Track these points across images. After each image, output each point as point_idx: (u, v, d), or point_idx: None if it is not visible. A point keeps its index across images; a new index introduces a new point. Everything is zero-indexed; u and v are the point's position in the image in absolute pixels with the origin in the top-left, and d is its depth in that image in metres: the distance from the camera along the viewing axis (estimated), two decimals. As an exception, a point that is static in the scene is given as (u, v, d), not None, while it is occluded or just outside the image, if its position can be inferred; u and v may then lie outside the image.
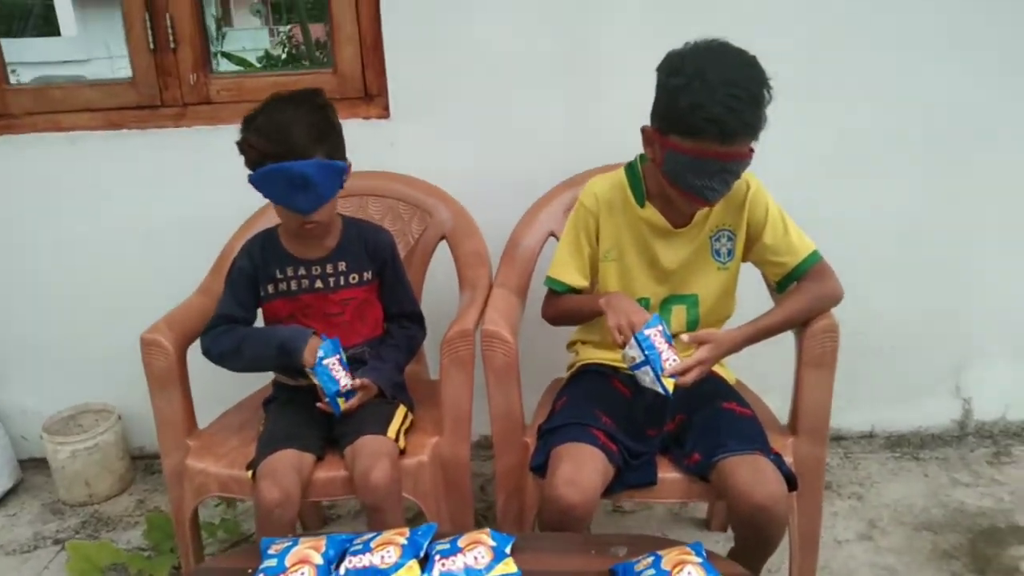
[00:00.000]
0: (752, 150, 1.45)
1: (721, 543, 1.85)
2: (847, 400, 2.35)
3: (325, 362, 1.57)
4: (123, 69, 2.22)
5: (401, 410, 1.67)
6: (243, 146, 1.57)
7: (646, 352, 1.42)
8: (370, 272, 1.72)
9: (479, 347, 1.61)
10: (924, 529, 2.06)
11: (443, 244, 1.97)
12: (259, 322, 1.75)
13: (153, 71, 2.16)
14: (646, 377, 1.45)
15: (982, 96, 2.16)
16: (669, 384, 1.43)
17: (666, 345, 1.44)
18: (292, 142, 1.52)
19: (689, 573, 1.15)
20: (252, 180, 1.56)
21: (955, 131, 2.18)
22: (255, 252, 1.70)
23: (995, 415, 2.46)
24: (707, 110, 1.36)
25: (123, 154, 2.22)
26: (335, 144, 1.61)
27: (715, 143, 1.38)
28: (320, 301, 1.68)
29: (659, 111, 1.46)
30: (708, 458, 1.45)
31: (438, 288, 2.00)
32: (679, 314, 1.66)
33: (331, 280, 1.68)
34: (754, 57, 1.42)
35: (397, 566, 1.19)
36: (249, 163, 1.57)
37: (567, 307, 1.67)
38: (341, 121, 1.65)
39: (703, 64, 1.38)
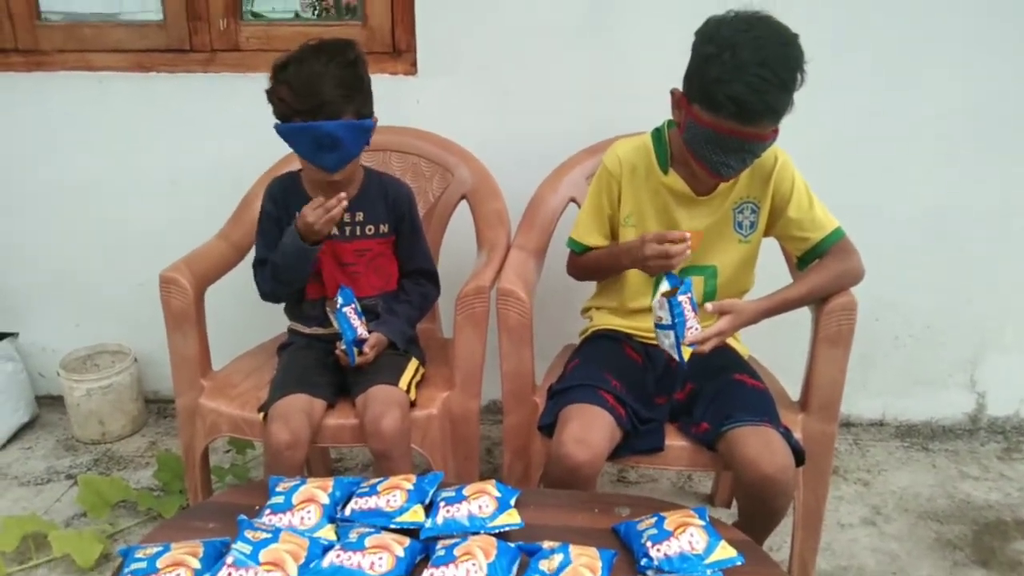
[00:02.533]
0: (776, 131, 1.42)
1: (724, 518, 1.84)
2: (860, 386, 2.36)
3: (344, 310, 1.58)
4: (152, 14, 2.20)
5: (413, 363, 1.67)
6: (272, 97, 1.56)
7: (675, 317, 1.41)
8: (387, 225, 1.72)
9: (494, 305, 1.61)
10: (929, 518, 2.05)
11: (463, 204, 1.97)
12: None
13: (184, 14, 2.16)
14: (666, 340, 1.44)
15: (1009, 85, 2.12)
16: (686, 353, 1.44)
17: (692, 313, 1.44)
18: (323, 100, 1.50)
19: (691, 534, 1.15)
20: (279, 131, 1.56)
21: (981, 119, 2.15)
22: (277, 194, 1.70)
23: (1009, 411, 2.44)
24: (731, 87, 1.33)
25: (151, 97, 2.22)
26: (364, 100, 1.60)
27: (735, 122, 1.36)
28: (335, 248, 1.68)
29: (688, 77, 1.44)
30: (717, 427, 1.45)
31: (456, 247, 2.00)
32: (696, 285, 1.64)
33: (347, 229, 1.69)
34: (795, 36, 1.37)
35: (402, 510, 1.21)
36: (277, 114, 1.57)
37: (590, 264, 1.68)
38: (368, 76, 1.64)
39: (738, 38, 1.35)
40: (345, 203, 1.54)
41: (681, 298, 1.42)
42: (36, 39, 2.22)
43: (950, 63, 2.10)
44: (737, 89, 1.33)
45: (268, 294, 1.71)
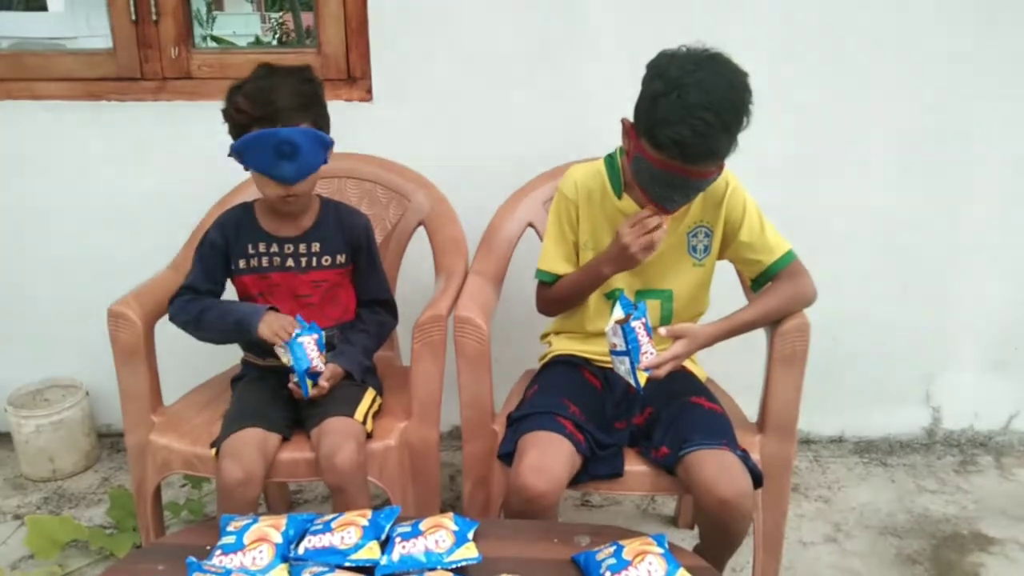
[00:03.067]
0: (721, 167, 1.45)
1: (687, 540, 1.85)
2: (818, 404, 2.36)
3: (300, 339, 1.55)
4: (103, 42, 2.17)
5: (370, 393, 1.65)
6: (228, 112, 1.56)
7: (629, 344, 1.42)
8: (344, 255, 1.71)
9: (452, 333, 1.60)
10: (889, 534, 2.07)
11: (420, 230, 1.96)
12: (231, 294, 1.73)
13: (134, 42, 2.13)
14: (622, 366, 1.45)
15: (958, 99, 2.17)
16: (642, 378, 1.44)
17: (647, 338, 1.44)
18: (279, 107, 1.51)
19: (650, 563, 1.15)
20: (236, 148, 1.54)
21: (932, 134, 2.20)
22: (228, 225, 1.68)
23: (963, 424, 2.48)
24: (674, 129, 1.34)
25: (101, 126, 2.19)
26: (321, 116, 1.60)
27: (679, 162, 1.38)
28: (290, 280, 1.66)
29: (637, 110, 1.45)
30: (675, 451, 1.45)
31: (413, 274, 1.99)
32: (653, 308, 1.66)
33: (303, 260, 1.67)
34: (743, 77, 1.38)
35: (357, 547, 1.18)
36: (234, 131, 1.55)
37: (564, 290, 1.66)
38: (324, 102, 1.63)
39: (686, 79, 1.35)
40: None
41: (635, 324, 1.43)
42: (-19, 69, 2.17)
43: (897, 75, 2.15)
44: (681, 132, 1.33)
45: (180, 324, 1.66)
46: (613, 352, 1.47)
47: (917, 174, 2.23)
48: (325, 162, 1.60)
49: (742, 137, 1.41)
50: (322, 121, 1.60)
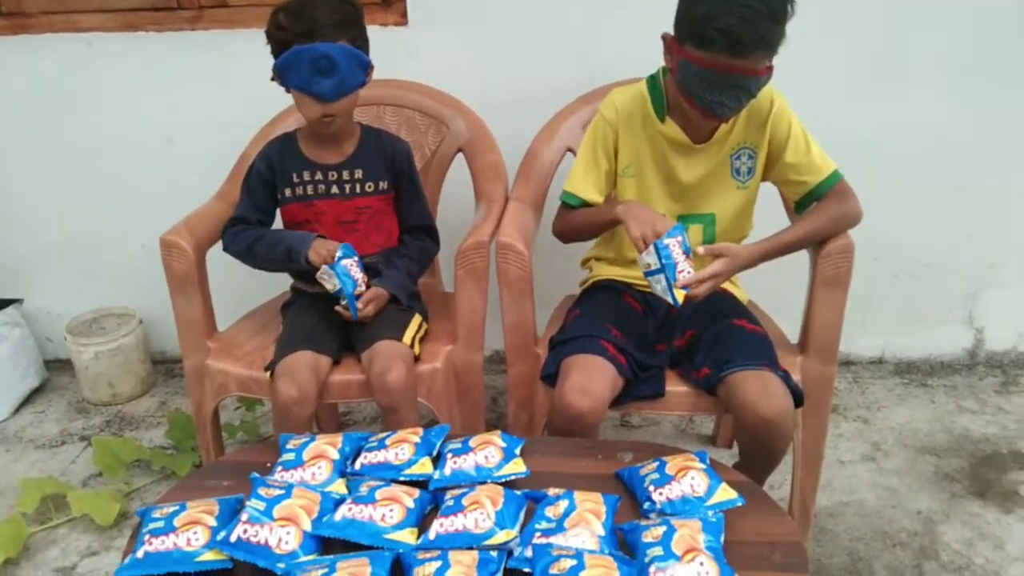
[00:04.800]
0: (770, 68, 1.41)
1: (724, 458, 1.89)
2: (859, 325, 2.38)
3: (344, 262, 1.59)
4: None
5: (416, 318, 1.69)
6: (270, 31, 1.57)
7: (663, 260, 1.42)
8: (386, 182, 1.72)
9: (494, 259, 1.62)
10: (927, 452, 2.09)
11: (460, 156, 1.96)
12: (278, 223, 1.76)
13: (169, -29, 2.12)
14: (658, 285, 1.45)
15: (1011, 13, 2.08)
16: (680, 295, 1.44)
17: (683, 256, 1.44)
18: (319, 22, 1.52)
19: (692, 477, 1.18)
20: (277, 66, 1.55)
21: (982, 51, 2.12)
22: (273, 155, 1.70)
23: (1007, 345, 2.46)
24: (720, 20, 1.32)
25: (140, 57, 2.20)
26: (360, 36, 1.60)
27: (727, 56, 1.35)
28: (335, 207, 1.68)
29: (678, 18, 1.42)
30: (716, 372, 1.47)
31: (454, 201, 2.00)
32: (695, 233, 1.65)
33: (347, 187, 1.68)
34: None
35: (411, 462, 1.23)
36: (275, 49, 1.56)
37: (581, 220, 1.65)
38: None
39: None
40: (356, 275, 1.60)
41: (667, 241, 1.42)
42: (19, 2, 2.18)
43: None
44: (727, 22, 1.32)
45: (233, 254, 1.71)
46: (647, 273, 1.46)
47: (964, 93, 2.15)
48: (364, 83, 1.60)
49: (786, 57, 1.38)
50: (361, 42, 1.60)
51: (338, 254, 1.59)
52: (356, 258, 1.62)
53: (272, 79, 1.58)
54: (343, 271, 1.59)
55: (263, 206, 1.71)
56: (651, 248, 1.43)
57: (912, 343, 2.47)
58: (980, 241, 2.32)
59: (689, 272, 1.44)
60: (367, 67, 1.59)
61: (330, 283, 1.61)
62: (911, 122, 2.18)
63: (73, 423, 2.34)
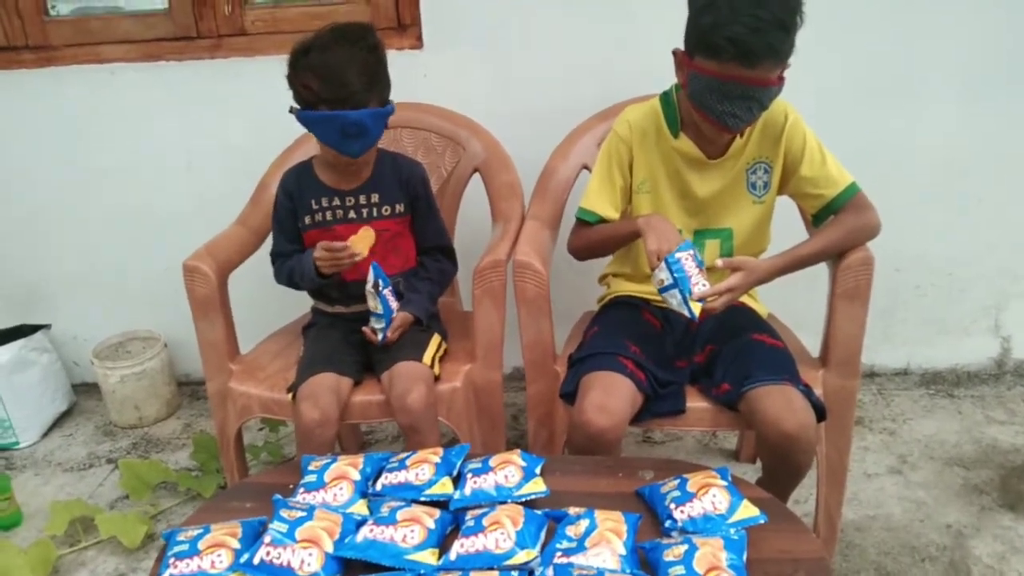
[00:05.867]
0: (782, 79, 1.41)
1: (748, 474, 1.88)
2: (883, 337, 2.36)
3: (385, 291, 1.62)
4: (159, 2, 2.21)
5: (436, 338, 1.70)
6: (295, 83, 1.57)
7: (675, 275, 1.42)
8: (403, 204, 1.74)
9: (511, 278, 1.62)
10: (955, 464, 2.06)
11: (476, 176, 1.98)
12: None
13: (188, 2, 2.16)
14: (673, 300, 1.45)
15: (1021, 26, 2.06)
16: (696, 308, 1.43)
17: (696, 269, 1.44)
18: (350, 89, 1.52)
19: (714, 495, 1.17)
20: (301, 119, 1.57)
21: (1002, 59, 2.10)
22: (291, 185, 1.72)
23: (1035, 354, 2.43)
24: (729, 29, 1.32)
25: (161, 85, 2.24)
26: (385, 86, 1.62)
27: (738, 66, 1.35)
28: (353, 232, 1.69)
29: (687, 32, 1.43)
30: (737, 388, 1.46)
31: (471, 221, 2.02)
32: (712, 248, 1.65)
33: (364, 211, 1.70)
34: None
35: (431, 482, 1.24)
36: (299, 101, 1.58)
37: (598, 236, 1.65)
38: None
39: None
40: (357, 258, 1.60)
41: (679, 255, 1.43)
42: (45, 35, 2.23)
43: (963, 2, 2.05)
44: (736, 31, 1.32)
45: (284, 284, 1.76)
46: (661, 290, 1.46)
47: (982, 102, 2.14)
48: (387, 126, 1.63)
49: (801, 68, 1.38)
50: (386, 90, 1.62)
51: (380, 283, 1.61)
52: (390, 286, 1.64)
53: (291, 113, 1.59)
54: (385, 299, 1.62)
55: (294, 236, 1.74)
56: (662, 264, 1.43)
57: (937, 354, 2.44)
58: (1003, 250, 2.30)
59: (704, 285, 1.43)
60: (391, 114, 1.61)
61: (372, 303, 1.63)
62: (930, 133, 2.17)
63: (100, 446, 2.37)
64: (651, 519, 1.20)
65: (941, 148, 2.18)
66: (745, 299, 1.67)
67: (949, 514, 1.89)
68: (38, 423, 2.41)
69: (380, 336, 1.64)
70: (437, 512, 1.18)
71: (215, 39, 2.19)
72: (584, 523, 1.13)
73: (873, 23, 2.06)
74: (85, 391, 2.62)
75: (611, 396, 1.44)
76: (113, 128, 2.31)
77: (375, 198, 1.71)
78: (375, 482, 1.27)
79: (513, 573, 1.05)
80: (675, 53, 1.47)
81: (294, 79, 1.57)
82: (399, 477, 1.26)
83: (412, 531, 1.12)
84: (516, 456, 1.29)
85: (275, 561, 1.06)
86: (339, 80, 1.51)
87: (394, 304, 1.64)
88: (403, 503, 1.19)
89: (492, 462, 1.27)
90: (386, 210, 1.72)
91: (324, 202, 1.70)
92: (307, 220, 1.71)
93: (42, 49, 2.24)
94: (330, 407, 1.53)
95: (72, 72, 2.25)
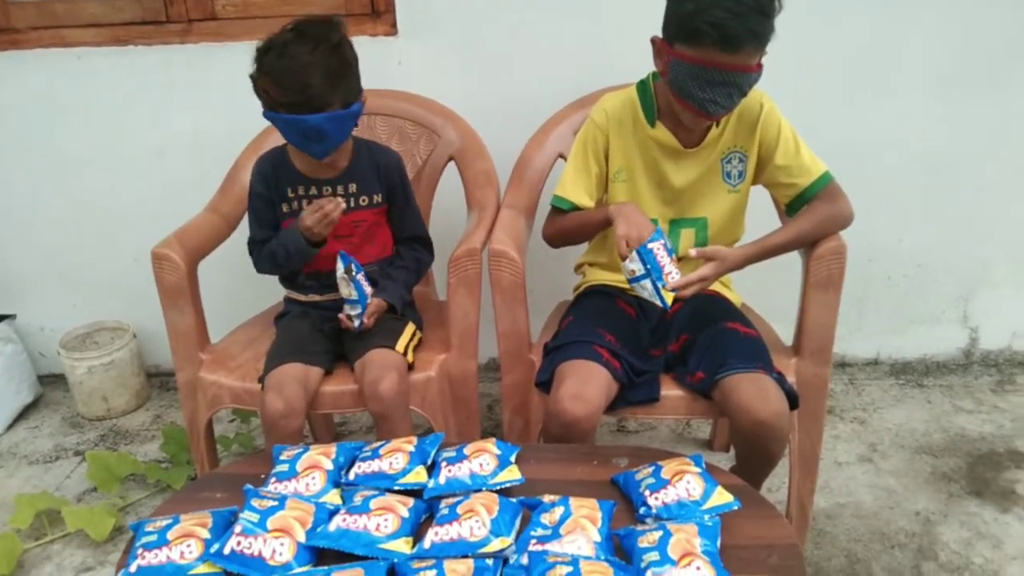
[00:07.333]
0: (760, 66, 1.41)
1: (722, 462, 1.87)
2: (854, 327, 2.39)
3: (358, 276, 1.60)
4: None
5: (410, 327, 1.69)
6: (256, 86, 1.54)
7: (647, 265, 1.42)
8: (380, 195, 1.72)
9: (487, 266, 1.61)
10: (924, 453, 2.09)
11: (451, 165, 1.96)
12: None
13: (158, -16, 2.12)
14: (644, 291, 1.45)
15: (1000, 18, 2.09)
16: (668, 297, 1.44)
17: (668, 259, 1.44)
18: (308, 93, 1.48)
19: (688, 482, 1.18)
20: (266, 117, 1.55)
21: (974, 54, 2.13)
22: (267, 172, 1.69)
23: (1001, 344, 2.47)
24: (710, 14, 1.33)
25: (129, 70, 2.20)
26: (351, 85, 1.56)
27: (718, 51, 1.35)
28: None
29: (666, 20, 1.43)
30: (711, 376, 1.47)
31: (446, 209, 2.00)
32: (687, 237, 1.66)
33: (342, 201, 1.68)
34: None
35: (405, 471, 1.23)
36: (263, 103, 1.55)
37: (571, 224, 1.64)
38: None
39: None
40: (343, 206, 1.57)
41: (652, 245, 1.43)
42: (8, 17, 2.18)
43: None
44: (717, 15, 1.32)
45: (265, 271, 1.73)
46: (632, 280, 1.46)
47: (954, 96, 2.16)
48: (356, 125, 1.60)
49: (777, 58, 1.38)
50: (352, 88, 1.56)
51: (354, 269, 1.58)
52: (363, 271, 1.62)
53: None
54: (359, 284, 1.60)
55: (271, 224, 1.71)
56: (634, 255, 1.43)
57: (907, 344, 2.47)
58: (972, 242, 2.33)
59: (676, 275, 1.44)
60: (358, 114, 1.57)
61: (346, 290, 1.61)
62: (903, 125, 2.19)
63: (67, 438, 2.32)
64: (626, 506, 1.20)
65: (915, 141, 2.21)
66: (719, 288, 1.68)
67: (918, 501, 1.91)
68: (2, 415, 2.36)
69: (356, 323, 1.62)
70: (411, 501, 1.17)
71: (185, 24, 2.15)
72: (559, 510, 1.13)
73: (848, 17, 2.08)
74: (52, 382, 2.57)
75: (586, 385, 1.44)
76: (80, 114, 2.26)
77: (352, 188, 1.69)
78: (348, 471, 1.26)
79: (488, 561, 1.04)
80: (654, 41, 1.47)
81: (256, 80, 1.53)
82: (372, 466, 1.25)
83: (386, 520, 1.11)
84: (491, 444, 1.28)
85: (246, 551, 1.05)
86: (296, 84, 1.47)
87: (368, 289, 1.63)
88: (376, 492, 1.18)
89: (467, 450, 1.26)
90: (364, 200, 1.70)
91: (301, 191, 1.68)
92: (284, 209, 1.69)
93: (4, 32, 2.19)
94: (295, 398, 1.51)
95: (36, 56, 2.19)
